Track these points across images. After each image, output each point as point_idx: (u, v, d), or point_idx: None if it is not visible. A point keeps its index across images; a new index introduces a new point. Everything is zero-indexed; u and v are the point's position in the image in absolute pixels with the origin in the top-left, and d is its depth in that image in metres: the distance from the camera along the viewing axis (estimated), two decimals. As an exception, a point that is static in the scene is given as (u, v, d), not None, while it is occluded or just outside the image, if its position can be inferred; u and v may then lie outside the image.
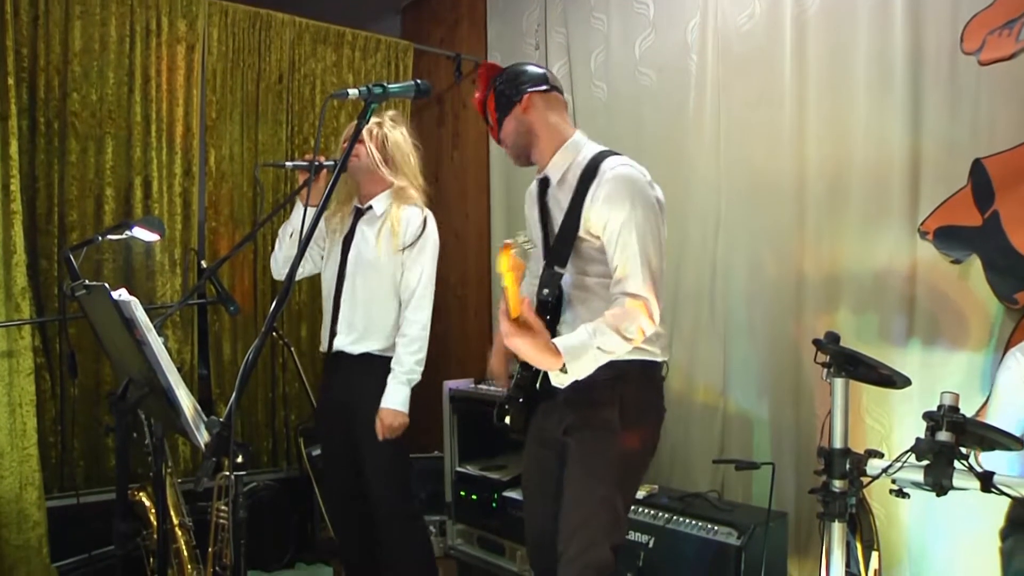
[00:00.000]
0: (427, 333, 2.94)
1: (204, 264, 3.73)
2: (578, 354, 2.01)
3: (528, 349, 1.96)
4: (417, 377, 2.92)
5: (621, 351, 2.08)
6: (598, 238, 2.19)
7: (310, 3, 4.54)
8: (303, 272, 3.15)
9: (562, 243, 2.23)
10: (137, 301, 1.70)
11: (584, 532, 2.16)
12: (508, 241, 1.84)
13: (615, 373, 2.16)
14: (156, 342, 1.69)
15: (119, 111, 3.79)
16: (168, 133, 3.91)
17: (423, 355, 2.93)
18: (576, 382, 2.06)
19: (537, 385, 2.27)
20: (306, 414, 4.28)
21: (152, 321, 1.74)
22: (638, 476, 2.32)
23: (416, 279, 2.92)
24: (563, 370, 2.00)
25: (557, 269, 2.23)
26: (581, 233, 2.20)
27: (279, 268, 3.12)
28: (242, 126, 4.23)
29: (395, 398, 2.85)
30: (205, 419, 1.66)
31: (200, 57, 4.02)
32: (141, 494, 3.03)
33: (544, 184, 2.34)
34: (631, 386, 2.23)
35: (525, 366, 2.27)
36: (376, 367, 2.90)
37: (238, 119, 4.22)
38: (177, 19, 3.92)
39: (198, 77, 4.01)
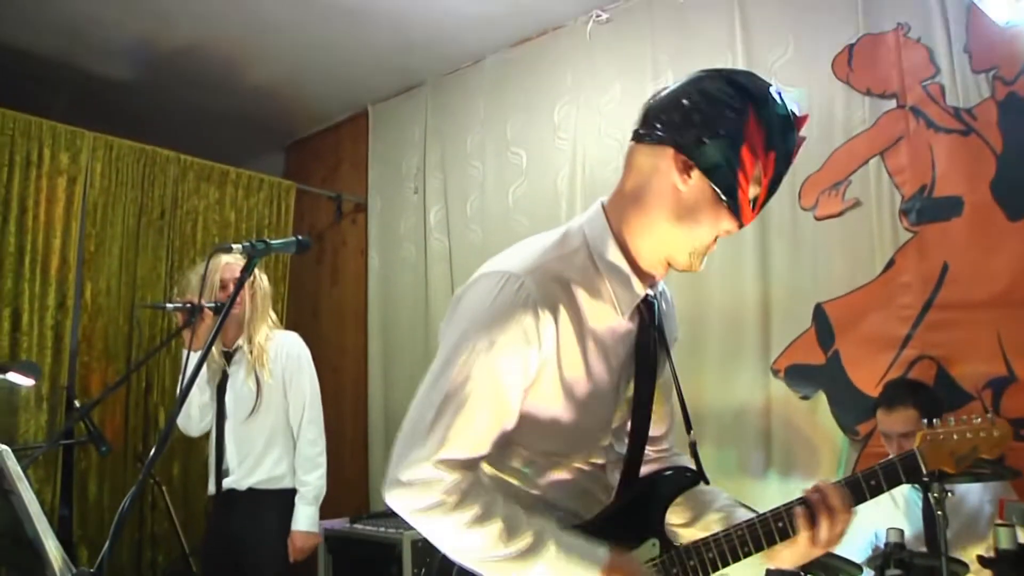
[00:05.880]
0: (323, 446, 2.99)
1: (77, 403, 3.60)
2: None
3: None
4: (322, 493, 2.96)
5: None
6: None
7: (195, 139, 4.60)
8: (208, 424, 3.10)
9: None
10: (9, 450, 1.67)
11: None
12: None
13: None
14: (27, 491, 1.66)
15: (-9, 241, 3.71)
16: (43, 264, 3.84)
17: (323, 469, 2.97)
18: None
19: None
20: (175, 555, 4.10)
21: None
22: None
23: (302, 401, 2.99)
24: None
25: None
26: None
27: (195, 425, 3.07)
28: (121, 260, 4.19)
29: (304, 520, 2.89)
30: (74, 570, 1.62)
31: (81, 190, 3.99)
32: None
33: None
34: None
35: None
36: (267, 500, 2.92)
37: (117, 253, 4.17)
38: (60, 151, 3.92)
39: (78, 209, 3.98)
